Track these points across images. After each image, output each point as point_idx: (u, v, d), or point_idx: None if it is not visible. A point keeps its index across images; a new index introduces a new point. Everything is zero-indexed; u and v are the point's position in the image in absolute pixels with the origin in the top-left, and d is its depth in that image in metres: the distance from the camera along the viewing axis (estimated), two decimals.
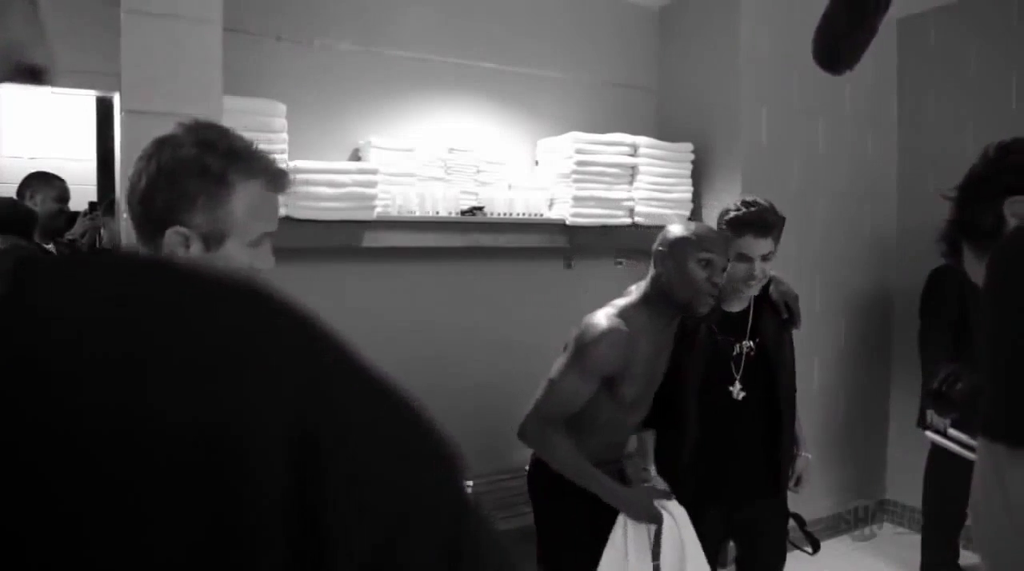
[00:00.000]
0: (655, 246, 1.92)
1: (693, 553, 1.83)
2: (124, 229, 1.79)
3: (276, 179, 1.07)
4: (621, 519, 1.84)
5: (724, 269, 1.85)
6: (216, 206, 0.99)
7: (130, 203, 1.03)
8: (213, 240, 1.01)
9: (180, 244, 0.99)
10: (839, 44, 1.34)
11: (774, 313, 2.07)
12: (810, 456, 2.16)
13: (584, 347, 1.83)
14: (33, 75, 0.37)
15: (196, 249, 1.00)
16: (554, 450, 1.85)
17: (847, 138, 3.53)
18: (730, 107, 3.23)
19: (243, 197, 1.01)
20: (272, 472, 0.22)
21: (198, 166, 0.99)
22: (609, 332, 1.80)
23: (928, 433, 2.29)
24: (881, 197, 3.68)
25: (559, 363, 1.89)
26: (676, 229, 1.90)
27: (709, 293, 1.82)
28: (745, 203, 1.97)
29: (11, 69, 0.35)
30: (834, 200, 3.49)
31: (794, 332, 2.15)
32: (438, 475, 0.27)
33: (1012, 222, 1.13)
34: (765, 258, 1.95)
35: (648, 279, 1.93)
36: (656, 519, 1.81)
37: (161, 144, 1.02)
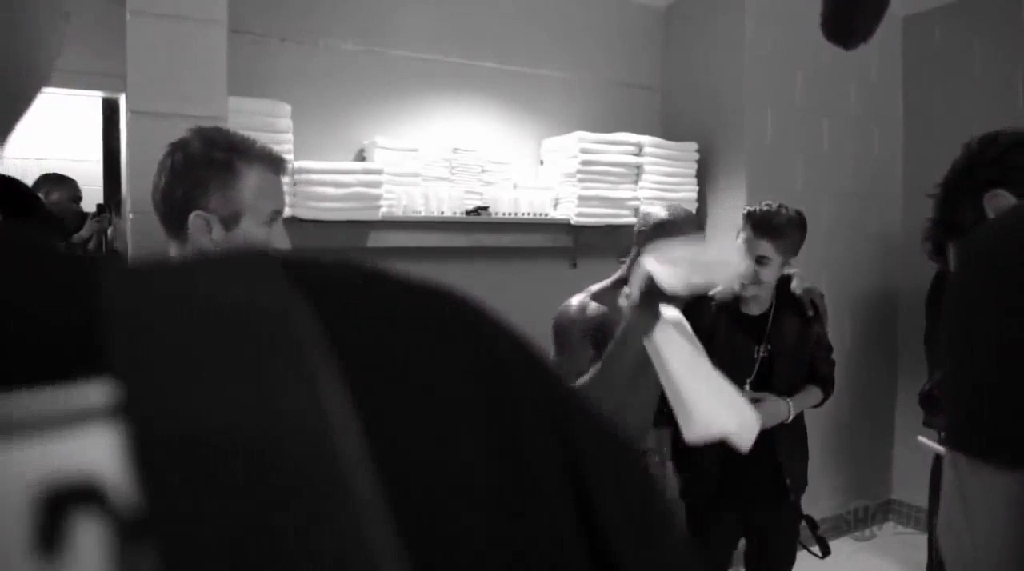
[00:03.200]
0: (637, 228, 1.90)
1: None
2: (130, 229, 1.80)
3: (274, 163, 1.22)
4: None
5: None
6: (226, 189, 1.15)
7: (154, 202, 1.18)
8: (230, 220, 1.15)
9: (203, 227, 1.14)
10: (854, 12, 1.26)
11: (797, 313, 2.06)
12: (791, 405, 2.02)
13: (558, 326, 1.85)
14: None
15: (217, 230, 1.14)
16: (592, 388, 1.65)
17: (852, 137, 3.52)
18: (735, 106, 3.22)
19: (248, 180, 1.16)
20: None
21: (206, 158, 1.15)
22: (575, 305, 1.84)
23: (920, 439, 2.25)
24: (886, 196, 3.66)
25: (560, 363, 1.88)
26: (656, 213, 1.90)
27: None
28: (767, 204, 2.00)
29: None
30: (839, 199, 3.49)
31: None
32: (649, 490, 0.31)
33: (992, 216, 1.09)
34: (760, 262, 1.96)
35: (628, 261, 1.91)
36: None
37: (173, 147, 1.19)
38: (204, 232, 1.14)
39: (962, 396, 0.82)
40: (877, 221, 3.63)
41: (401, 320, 0.25)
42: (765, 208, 1.98)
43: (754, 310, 2.06)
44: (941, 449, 2.06)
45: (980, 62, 3.33)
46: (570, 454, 0.26)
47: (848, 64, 3.47)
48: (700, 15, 3.37)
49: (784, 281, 2.08)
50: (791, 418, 2.02)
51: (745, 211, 2.01)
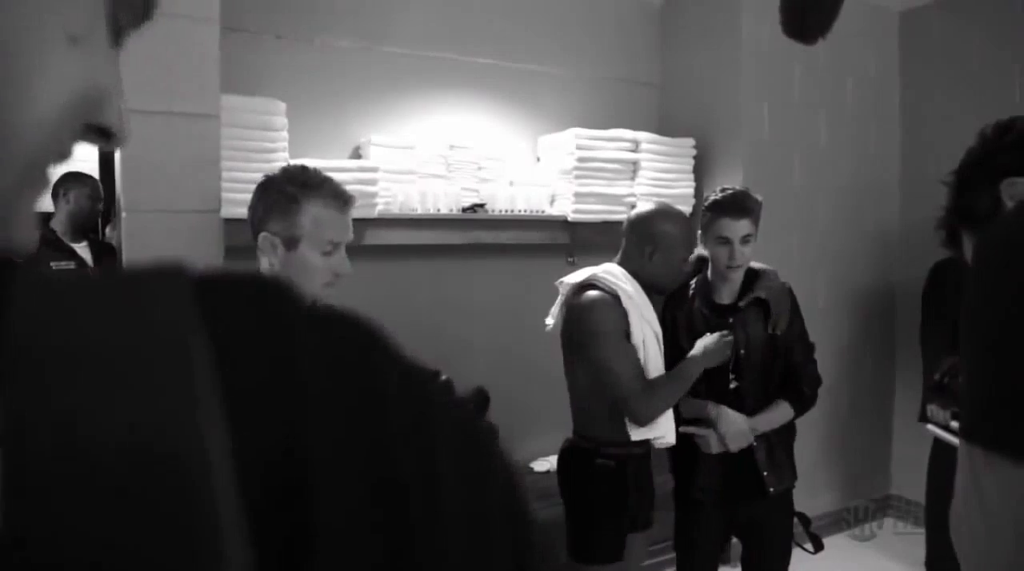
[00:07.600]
0: (634, 230, 2.02)
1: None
2: (124, 228, 1.80)
3: (338, 198, 1.41)
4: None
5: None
6: (288, 217, 1.37)
7: (250, 221, 1.44)
8: (290, 243, 1.37)
9: (269, 245, 1.37)
10: (805, 9, 1.27)
11: (760, 307, 2.08)
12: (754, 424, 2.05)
13: (590, 323, 1.92)
14: (104, 137, 0.30)
15: (280, 250, 1.37)
16: (660, 401, 1.92)
17: (849, 133, 3.52)
18: (732, 102, 3.22)
19: (308, 211, 1.37)
20: None
21: (277, 190, 1.39)
22: (597, 298, 1.94)
23: (929, 426, 2.24)
24: (883, 192, 3.66)
25: (596, 355, 1.93)
26: (663, 224, 2.00)
27: (682, 274, 2.04)
28: (723, 190, 2.05)
29: (82, 128, 0.29)
30: (836, 195, 3.48)
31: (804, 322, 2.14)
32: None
33: (1009, 205, 1.07)
34: (744, 241, 2.00)
35: (619, 258, 2.03)
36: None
37: (264, 178, 1.45)
38: (270, 250, 1.37)
39: (979, 388, 0.81)
40: (874, 216, 3.63)
41: (301, 348, 0.26)
42: (726, 193, 2.03)
43: (724, 299, 2.09)
44: (951, 438, 2.06)
45: (977, 57, 3.32)
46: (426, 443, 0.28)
47: (845, 59, 3.46)
48: (696, 11, 3.36)
49: (753, 276, 2.10)
50: (757, 432, 2.02)
51: (710, 202, 2.04)
